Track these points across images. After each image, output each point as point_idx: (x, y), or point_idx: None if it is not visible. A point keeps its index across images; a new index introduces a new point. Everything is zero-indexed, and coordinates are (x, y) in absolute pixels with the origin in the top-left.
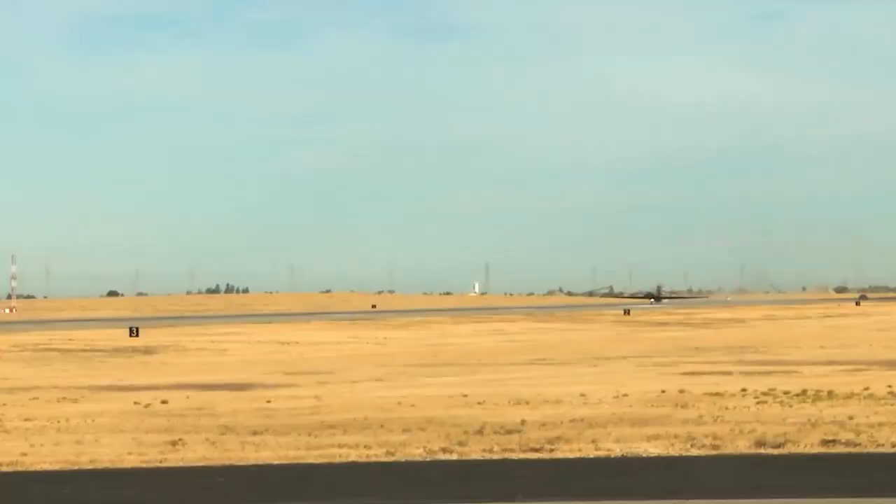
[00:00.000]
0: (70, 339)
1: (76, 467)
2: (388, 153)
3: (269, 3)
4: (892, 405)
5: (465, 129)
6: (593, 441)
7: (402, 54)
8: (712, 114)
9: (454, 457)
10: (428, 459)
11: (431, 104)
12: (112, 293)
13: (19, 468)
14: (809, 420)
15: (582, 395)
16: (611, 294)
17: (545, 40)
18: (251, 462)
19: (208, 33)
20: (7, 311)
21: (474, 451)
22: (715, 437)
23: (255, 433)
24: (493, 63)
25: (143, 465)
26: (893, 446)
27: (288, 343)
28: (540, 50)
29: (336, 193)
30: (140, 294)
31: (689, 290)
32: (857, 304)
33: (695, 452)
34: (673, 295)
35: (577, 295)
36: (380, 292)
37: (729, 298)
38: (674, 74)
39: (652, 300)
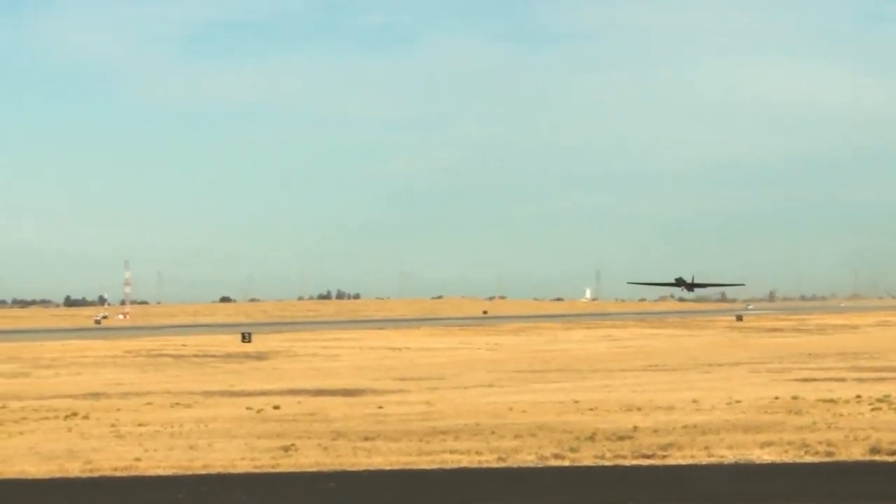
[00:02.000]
0: (183, 345)
1: (189, 472)
2: (497, 157)
3: (377, 9)
4: None
5: (574, 133)
6: (706, 447)
7: (508, 59)
8: (825, 117)
9: (566, 463)
10: (540, 465)
11: (540, 108)
12: (224, 299)
13: (133, 473)
14: None
15: (694, 401)
16: (641, 283)
17: (650, 44)
18: (363, 468)
19: (318, 39)
20: (121, 316)
21: (586, 458)
22: (829, 444)
23: (366, 439)
24: (600, 67)
25: (256, 471)
26: None
27: (399, 349)
28: (646, 53)
29: (446, 198)
30: (252, 300)
31: (802, 297)
32: None
33: (808, 459)
34: (707, 283)
35: (688, 301)
36: (491, 298)
37: (843, 304)
38: (786, 77)
39: (683, 287)
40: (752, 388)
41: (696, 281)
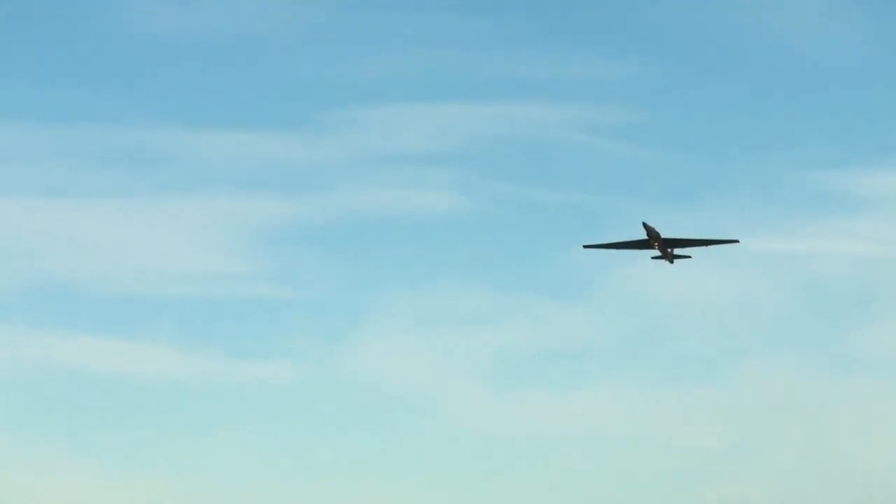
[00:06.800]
0: None
1: None
2: (809, 487)
3: (687, 337)
4: None
5: (887, 462)
6: None
7: (819, 387)
8: None
9: None
10: None
11: (849, 435)
12: None
13: None
14: None
15: None
16: (596, 245)
17: None
18: None
19: (626, 367)
20: None
21: None
22: None
23: None
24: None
25: None
26: None
27: None
28: None
29: None
30: None
31: None
32: None
33: None
34: (690, 239)
35: None
36: None
37: None
38: None
39: (656, 246)
40: None
41: (674, 237)
